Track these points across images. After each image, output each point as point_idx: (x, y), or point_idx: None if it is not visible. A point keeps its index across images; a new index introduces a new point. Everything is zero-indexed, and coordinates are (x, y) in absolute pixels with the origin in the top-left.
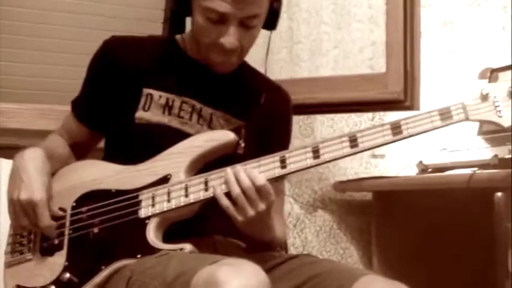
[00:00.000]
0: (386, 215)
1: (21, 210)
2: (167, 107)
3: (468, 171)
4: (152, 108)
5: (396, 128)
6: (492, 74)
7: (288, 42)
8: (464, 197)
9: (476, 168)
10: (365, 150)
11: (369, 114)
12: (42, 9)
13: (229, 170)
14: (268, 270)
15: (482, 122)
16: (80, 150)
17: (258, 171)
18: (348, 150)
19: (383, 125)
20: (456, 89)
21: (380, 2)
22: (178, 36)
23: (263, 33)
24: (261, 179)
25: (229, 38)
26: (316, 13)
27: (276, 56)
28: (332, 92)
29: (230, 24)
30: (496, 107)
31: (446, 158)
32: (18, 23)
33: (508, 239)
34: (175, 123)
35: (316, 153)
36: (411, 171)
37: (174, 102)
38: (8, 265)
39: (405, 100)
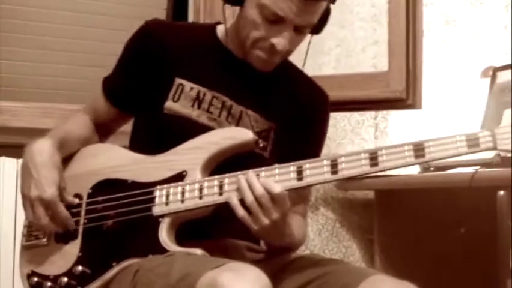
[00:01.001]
0: (388, 214)
1: (32, 207)
2: (197, 100)
3: (470, 169)
4: (182, 100)
5: (419, 150)
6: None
7: None
8: (466, 196)
9: (478, 167)
10: (385, 170)
11: (372, 113)
12: (46, 7)
13: (241, 177)
14: (275, 272)
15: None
16: (104, 130)
17: (274, 180)
18: (368, 168)
19: (405, 144)
20: (458, 87)
21: (383, 1)
22: (219, 26)
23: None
24: (277, 187)
25: (283, 40)
26: None
27: None
28: (335, 90)
29: (286, 28)
30: None
31: None
32: (22, 22)
33: (510, 238)
34: (203, 118)
35: (334, 167)
36: (414, 170)
37: (205, 96)
38: (24, 248)
39: (407, 99)
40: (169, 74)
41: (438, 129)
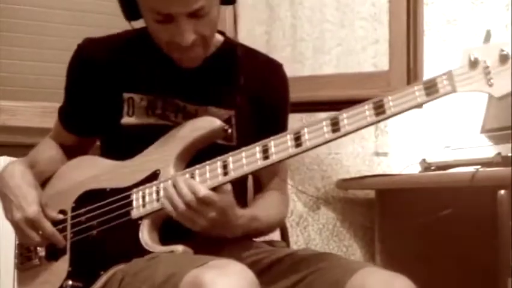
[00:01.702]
0: (389, 213)
1: (20, 229)
2: (151, 109)
3: (471, 169)
4: (136, 112)
5: (379, 107)
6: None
7: (291, 40)
8: (467, 195)
9: (479, 166)
10: (347, 134)
11: None
12: (46, 7)
13: (169, 183)
14: (266, 268)
15: (471, 92)
16: (74, 155)
17: (242, 163)
18: (331, 135)
19: (365, 104)
20: None
21: (383, 0)
22: None
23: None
24: (201, 190)
25: (183, 35)
26: (319, 11)
27: (279, 54)
28: (335, 90)
29: (178, 20)
30: (486, 74)
31: (449, 156)
32: (22, 21)
33: (510, 237)
34: (162, 122)
35: (298, 140)
36: (414, 169)
37: (156, 103)
38: (19, 270)
39: None
40: (116, 90)
41: (439, 129)
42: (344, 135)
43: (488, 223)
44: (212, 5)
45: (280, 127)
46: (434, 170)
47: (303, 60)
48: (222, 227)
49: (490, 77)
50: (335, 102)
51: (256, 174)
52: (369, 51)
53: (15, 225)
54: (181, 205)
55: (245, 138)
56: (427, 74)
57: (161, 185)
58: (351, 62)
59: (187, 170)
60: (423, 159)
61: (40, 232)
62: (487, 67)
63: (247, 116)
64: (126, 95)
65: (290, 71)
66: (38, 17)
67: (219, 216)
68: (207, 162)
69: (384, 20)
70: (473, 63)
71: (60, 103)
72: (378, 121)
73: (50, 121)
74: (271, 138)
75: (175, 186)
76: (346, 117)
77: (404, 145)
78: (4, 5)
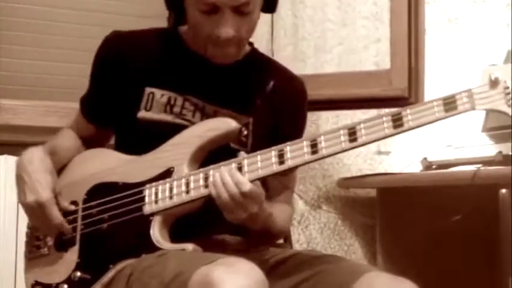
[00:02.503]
0: (391, 212)
1: (31, 212)
2: (169, 106)
3: (472, 167)
4: (154, 108)
5: (397, 120)
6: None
7: (292, 39)
8: (468, 194)
9: (480, 165)
10: (365, 144)
11: (374, 111)
12: (48, 5)
13: (214, 173)
14: (272, 268)
15: (490, 112)
16: (90, 146)
17: (257, 166)
18: (348, 144)
19: (383, 116)
20: (460, 85)
21: None
22: (181, 28)
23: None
24: (246, 185)
25: (224, 28)
26: (321, 10)
27: (281, 53)
28: (337, 88)
29: (223, 14)
30: (506, 94)
31: (451, 155)
32: (23, 20)
33: (511, 236)
34: (177, 120)
35: (314, 147)
36: (416, 168)
37: (176, 100)
38: (27, 259)
39: (409, 97)
40: (139, 84)
41: (440, 127)
42: (361, 145)
43: (489, 222)
44: (256, 6)
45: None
46: (435, 169)
47: (304, 59)
48: (254, 219)
49: (509, 98)
50: (337, 101)
51: (269, 183)
52: (370, 50)
53: (27, 207)
54: (224, 195)
55: (259, 147)
56: (428, 73)
57: (175, 183)
58: (352, 60)
59: (201, 169)
60: (425, 158)
61: (48, 219)
62: (507, 87)
63: (265, 125)
64: (148, 89)
65: (292, 69)
66: (41, 16)
67: (258, 210)
68: (221, 163)
69: (385, 19)
70: (494, 83)
71: (63, 101)
72: (396, 133)
73: (53, 120)
74: (287, 143)
75: (220, 177)
76: (364, 128)
77: (405, 144)
78: (5, 4)
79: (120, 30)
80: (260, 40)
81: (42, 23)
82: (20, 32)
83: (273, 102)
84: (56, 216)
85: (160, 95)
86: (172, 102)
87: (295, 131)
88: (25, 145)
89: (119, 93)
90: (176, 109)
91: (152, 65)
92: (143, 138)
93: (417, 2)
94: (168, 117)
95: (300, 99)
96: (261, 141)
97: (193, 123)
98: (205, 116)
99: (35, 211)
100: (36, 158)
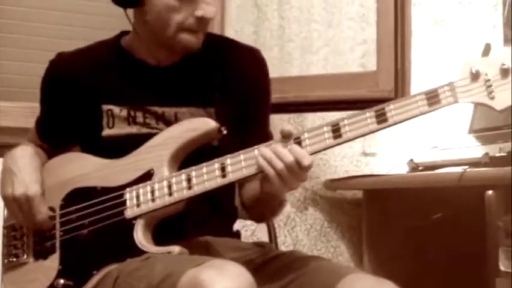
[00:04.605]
0: (377, 213)
1: (16, 206)
2: (131, 117)
3: (459, 169)
4: (117, 123)
5: (381, 115)
6: (486, 48)
7: (279, 40)
8: (455, 195)
9: (467, 167)
10: (349, 140)
11: None
12: (37, 7)
13: (264, 149)
14: (257, 269)
15: (473, 105)
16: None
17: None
18: (332, 141)
19: (366, 111)
20: None
21: (371, 0)
22: (123, 38)
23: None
24: (307, 159)
25: (207, 7)
26: (307, 11)
27: (267, 54)
28: (323, 90)
29: None
30: (487, 87)
31: (437, 156)
32: (10, 22)
33: (498, 237)
34: (144, 130)
35: (298, 145)
36: (402, 170)
37: (136, 112)
38: (5, 269)
39: (396, 98)
40: (94, 103)
41: (426, 129)
42: (346, 141)
43: (476, 223)
44: None
45: (263, 114)
46: (422, 170)
47: (290, 60)
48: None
49: (491, 90)
50: (323, 102)
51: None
52: (357, 52)
53: (13, 199)
54: (280, 166)
55: (227, 136)
56: (415, 74)
57: (156, 185)
58: (339, 62)
59: (183, 171)
60: (411, 160)
61: (36, 212)
62: (488, 80)
63: (227, 112)
64: (105, 107)
65: (278, 71)
66: (26, 17)
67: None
68: (203, 164)
69: (372, 21)
70: (475, 76)
71: None
72: (380, 129)
73: None
74: (271, 142)
75: (273, 150)
76: (347, 124)
77: (391, 145)
78: None
79: (64, 52)
80: (246, 41)
81: (28, 24)
82: (4, 33)
83: (229, 84)
84: (44, 211)
85: (119, 110)
86: (132, 114)
87: (258, 107)
88: (10, 147)
89: (75, 115)
90: (139, 119)
91: (103, 82)
92: (114, 154)
93: (403, 4)
94: (133, 129)
95: (257, 69)
96: (229, 128)
97: (159, 129)
98: (167, 120)
99: (21, 205)
100: (29, 154)
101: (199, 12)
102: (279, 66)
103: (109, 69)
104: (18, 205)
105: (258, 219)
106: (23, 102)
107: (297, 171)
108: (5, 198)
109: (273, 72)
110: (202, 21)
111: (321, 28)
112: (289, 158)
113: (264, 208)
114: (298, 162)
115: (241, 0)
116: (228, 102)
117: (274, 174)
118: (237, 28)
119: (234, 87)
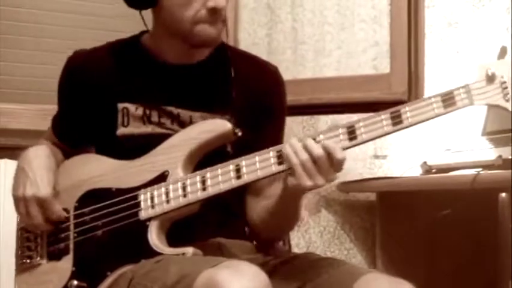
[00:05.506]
0: (390, 216)
1: (27, 207)
2: (146, 117)
3: (472, 171)
4: (132, 122)
5: (396, 117)
6: (502, 51)
7: (292, 43)
8: (468, 198)
9: (480, 169)
10: (364, 142)
11: None
12: (45, 9)
13: (293, 139)
14: (272, 270)
15: (487, 107)
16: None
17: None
18: (347, 143)
19: (381, 113)
20: None
21: (384, 3)
22: (143, 37)
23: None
24: (340, 153)
25: None
26: (320, 13)
27: (280, 57)
28: (336, 92)
29: None
30: (503, 89)
31: (450, 159)
32: (21, 24)
33: (511, 240)
34: (158, 130)
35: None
36: (415, 172)
37: (152, 111)
38: (19, 270)
39: (409, 101)
40: (110, 101)
41: (439, 131)
42: (361, 143)
43: (489, 226)
44: None
45: (277, 131)
46: (435, 173)
47: (303, 63)
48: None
49: (506, 92)
50: (336, 104)
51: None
52: (369, 54)
53: (24, 200)
54: (305, 156)
55: (241, 143)
56: (428, 76)
57: (171, 187)
58: (351, 64)
59: (198, 172)
60: (424, 162)
61: (46, 214)
62: (504, 82)
63: (243, 120)
64: (120, 105)
65: (291, 73)
66: (37, 19)
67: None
68: (218, 165)
69: (385, 23)
70: (490, 78)
71: None
72: (395, 131)
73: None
74: (287, 143)
75: (303, 144)
76: (363, 126)
77: (405, 148)
78: (3, 8)
79: (82, 50)
80: (259, 44)
81: (39, 26)
82: (16, 35)
83: (246, 94)
84: (58, 210)
85: (135, 109)
86: (148, 113)
87: (275, 121)
88: (22, 149)
89: (91, 113)
90: (154, 119)
91: (120, 80)
92: (128, 153)
93: (416, 6)
94: (148, 129)
95: (275, 86)
96: (242, 137)
97: (174, 130)
98: (181, 122)
99: (31, 205)
100: (43, 155)
101: (210, 4)
102: (292, 69)
103: (126, 67)
104: (27, 206)
105: (271, 234)
106: (35, 105)
107: (326, 165)
108: (15, 198)
109: (286, 75)
110: (215, 11)
111: (334, 30)
112: (318, 151)
113: (280, 217)
114: (330, 156)
115: (254, 3)
116: (244, 110)
117: (298, 164)
118: (250, 31)
119: (251, 97)
